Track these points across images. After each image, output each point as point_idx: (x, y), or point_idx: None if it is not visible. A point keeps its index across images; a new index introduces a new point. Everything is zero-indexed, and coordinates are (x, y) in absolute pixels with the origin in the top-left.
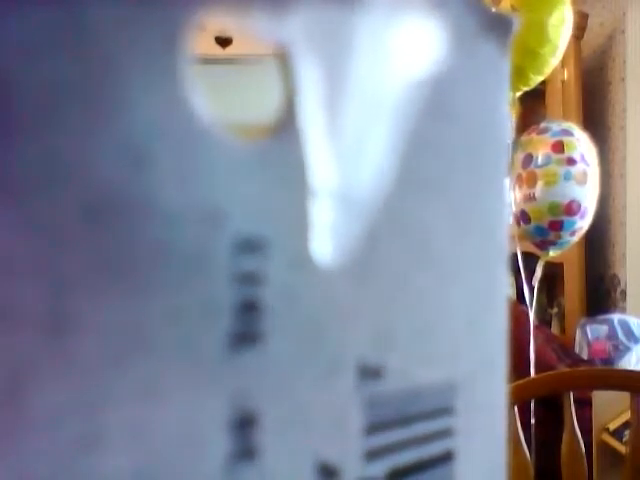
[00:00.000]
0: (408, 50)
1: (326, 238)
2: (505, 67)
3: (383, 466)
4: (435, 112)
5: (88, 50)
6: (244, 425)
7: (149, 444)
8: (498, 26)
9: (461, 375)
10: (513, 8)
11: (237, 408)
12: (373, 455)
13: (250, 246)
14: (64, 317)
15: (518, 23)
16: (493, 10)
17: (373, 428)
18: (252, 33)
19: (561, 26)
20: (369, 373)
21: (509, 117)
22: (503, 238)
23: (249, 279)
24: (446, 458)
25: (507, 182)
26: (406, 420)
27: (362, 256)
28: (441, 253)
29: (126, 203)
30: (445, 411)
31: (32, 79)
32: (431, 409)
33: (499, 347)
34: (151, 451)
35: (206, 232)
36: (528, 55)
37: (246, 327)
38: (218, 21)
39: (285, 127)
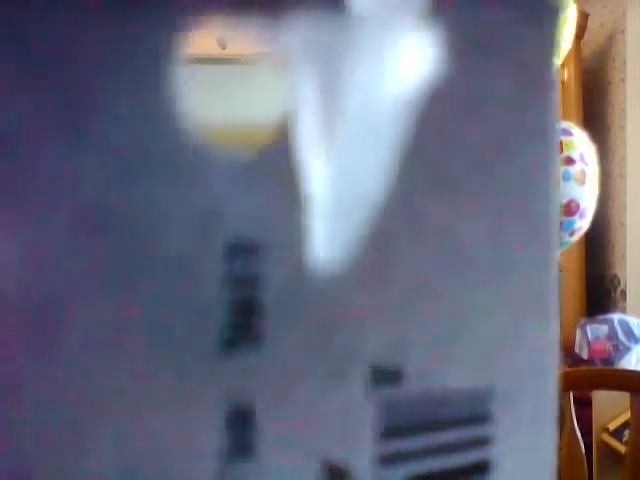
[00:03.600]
0: (408, 58)
1: (320, 243)
2: (550, 57)
3: (401, 472)
4: (466, 112)
5: (79, 59)
6: (241, 423)
7: (143, 443)
8: (542, 13)
9: (498, 382)
10: None
11: (234, 407)
12: (389, 460)
13: (244, 250)
14: (55, 319)
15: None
16: None
17: (390, 432)
18: (250, 41)
19: (563, 25)
20: (386, 376)
21: (557, 109)
22: (550, 239)
23: (244, 282)
24: (481, 468)
25: (556, 180)
26: (430, 426)
27: (372, 260)
28: (470, 256)
29: (118, 211)
30: (480, 419)
31: (20, 90)
32: (461, 416)
33: (547, 356)
34: (145, 449)
35: (199, 237)
36: None
37: (242, 327)
38: (215, 31)
39: (282, 133)
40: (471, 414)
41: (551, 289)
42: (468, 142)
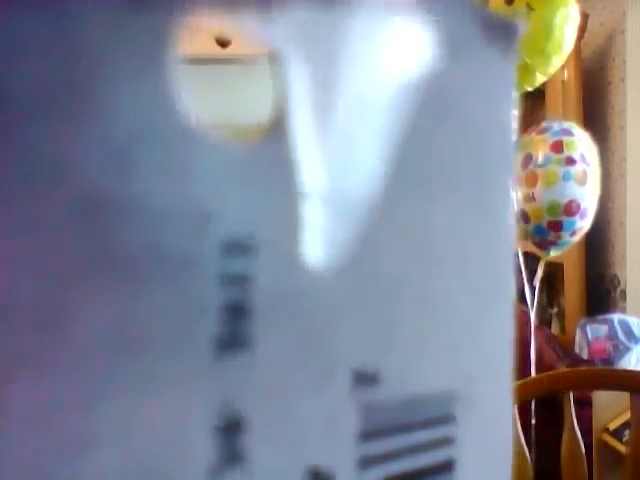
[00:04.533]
0: (400, 52)
1: (317, 240)
2: (510, 70)
3: (378, 474)
4: (437, 112)
5: (75, 51)
6: (230, 430)
7: (136, 446)
8: (502, 31)
9: (461, 382)
10: (529, 7)
11: (224, 412)
12: (368, 462)
13: (239, 248)
14: (54, 315)
15: (523, 27)
16: (497, 15)
17: (368, 435)
18: (243, 35)
19: (565, 25)
20: (365, 379)
21: (514, 117)
22: (509, 239)
23: (237, 281)
24: (446, 467)
25: (513, 182)
26: (404, 427)
27: (357, 259)
28: (442, 255)
29: (111, 203)
30: (445, 419)
31: (17, 79)
32: (430, 417)
33: (503, 353)
34: (138, 453)
35: (193, 233)
36: (536, 54)
37: (234, 330)
38: (209, 22)
39: (275, 129)
40: (438, 415)
41: (509, 286)
42: (439, 140)
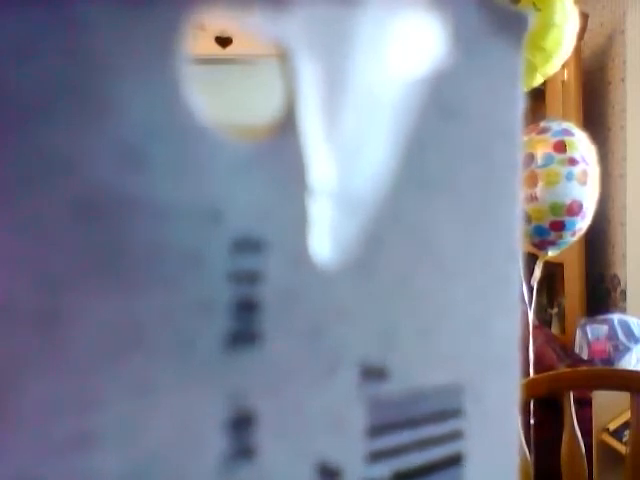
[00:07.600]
0: (409, 48)
1: (325, 237)
2: (519, 64)
3: (387, 468)
4: (442, 110)
5: (82, 48)
6: (241, 425)
7: (143, 443)
8: (512, 23)
9: (468, 377)
10: (535, 7)
11: (234, 407)
12: (377, 457)
13: (248, 245)
14: (56, 314)
15: (532, 20)
16: (507, 7)
17: (377, 429)
18: (251, 32)
19: (565, 25)
20: (372, 373)
21: (523, 115)
22: (514, 238)
23: (246, 278)
24: (455, 461)
25: (521, 181)
26: (412, 422)
27: (364, 255)
28: (446, 252)
29: (120, 201)
30: (453, 413)
31: (25, 77)
32: (438, 411)
33: (510, 348)
34: (145, 450)
35: (203, 230)
36: (536, 52)
37: (243, 326)
38: (217, 20)
39: (284, 127)
40: (446, 409)
41: (516, 285)
42: (444, 140)
